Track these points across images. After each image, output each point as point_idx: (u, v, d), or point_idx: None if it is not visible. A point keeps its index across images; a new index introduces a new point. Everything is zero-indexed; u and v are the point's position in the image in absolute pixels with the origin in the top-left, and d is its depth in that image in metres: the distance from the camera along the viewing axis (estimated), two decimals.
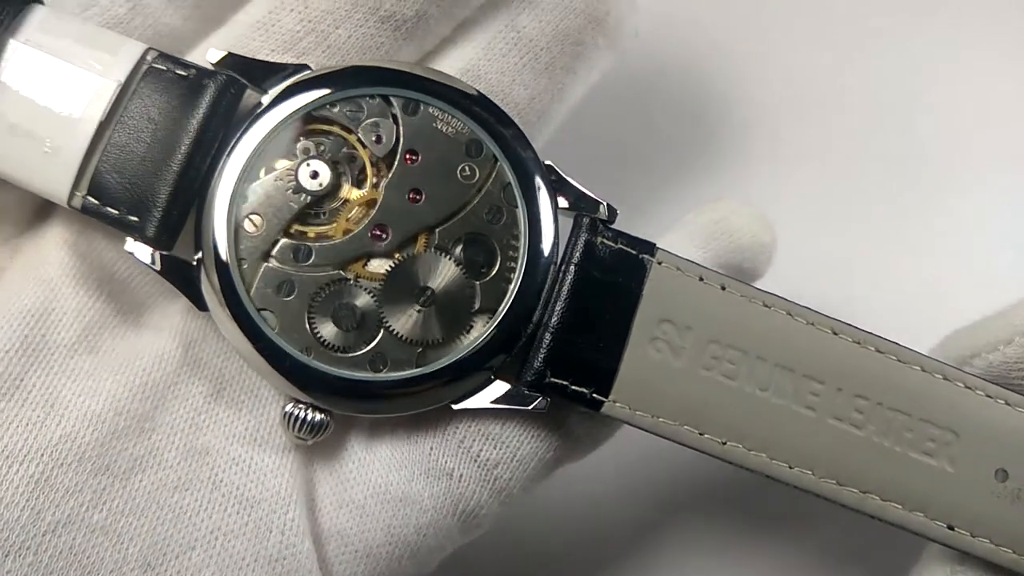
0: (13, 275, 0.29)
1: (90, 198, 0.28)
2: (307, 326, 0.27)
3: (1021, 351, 0.29)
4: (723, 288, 0.29)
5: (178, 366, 0.29)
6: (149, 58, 0.28)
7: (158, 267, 0.28)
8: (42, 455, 0.27)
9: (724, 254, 0.30)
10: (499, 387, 0.28)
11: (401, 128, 0.28)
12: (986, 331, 0.29)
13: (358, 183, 0.28)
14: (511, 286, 0.28)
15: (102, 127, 0.28)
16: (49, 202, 0.30)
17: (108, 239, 0.29)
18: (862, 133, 0.41)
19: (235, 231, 0.28)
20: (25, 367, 0.27)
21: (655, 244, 0.29)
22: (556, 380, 0.28)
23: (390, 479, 0.29)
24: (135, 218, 0.28)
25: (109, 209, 0.28)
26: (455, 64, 0.31)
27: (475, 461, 0.29)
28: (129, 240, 0.28)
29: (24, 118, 0.28)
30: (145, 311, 0.30)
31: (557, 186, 0.29)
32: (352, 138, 0.28)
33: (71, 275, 0.29)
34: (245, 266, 0.28)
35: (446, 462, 0.29)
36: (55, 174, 0.28)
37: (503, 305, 0.28)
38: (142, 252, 0.28)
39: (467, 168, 0.28)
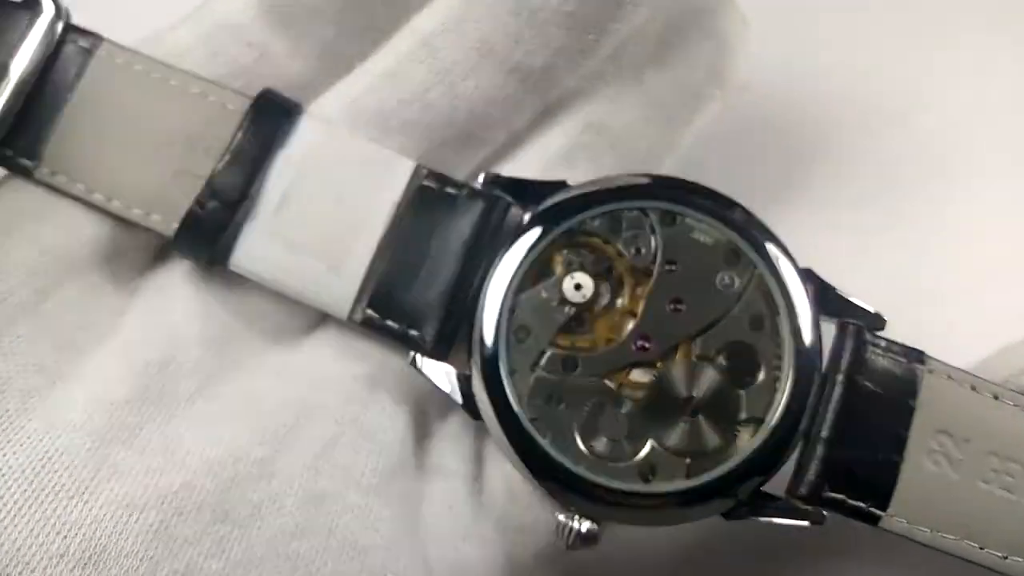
0: (135, 320, 0.29)
1: (370, 311, 0.29)
2: (577, 437, 0.28)
3: None
4: (996, 397, 0.28)
5: (298, 411, 0.29)
6: (420, 176, 0.30)
7: (457, 391, 0.29)
8: (162, 503, 0.26)
9: None
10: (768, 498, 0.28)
11: (659, 239, 0.29)
12: None
13: (617, 293, 0.29)
14: (779, 396, 0.28)
15: (380, 244, 0.29)
16: (167, 245, 0.30)
17: (227, 283, 0.30)
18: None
19: (506, 343, 0.29)
20: (145, 417, 0.28)
21: (923, 352, 0.28)
22: (833, 495, 0.27)
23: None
24: (415, 332, 0.29)
25: (390, 323, 0.29)
26: (581, 116, 0.31)
27: None
28: (414, 355, 0.29)
29: (302, 235, 0.29)
30: (265, 355, 0.30)
31: (819, 292, 0.29)
32: (611, 250, 0.29)
33: (194, 323, 0.29)
34: (516, 377, 0.28)
35: None
36: (338, 291, 0.29)
37: (772, 415, 0.28)
38: (430, 368, 0.29)
39: (726, 277, 0.29)
